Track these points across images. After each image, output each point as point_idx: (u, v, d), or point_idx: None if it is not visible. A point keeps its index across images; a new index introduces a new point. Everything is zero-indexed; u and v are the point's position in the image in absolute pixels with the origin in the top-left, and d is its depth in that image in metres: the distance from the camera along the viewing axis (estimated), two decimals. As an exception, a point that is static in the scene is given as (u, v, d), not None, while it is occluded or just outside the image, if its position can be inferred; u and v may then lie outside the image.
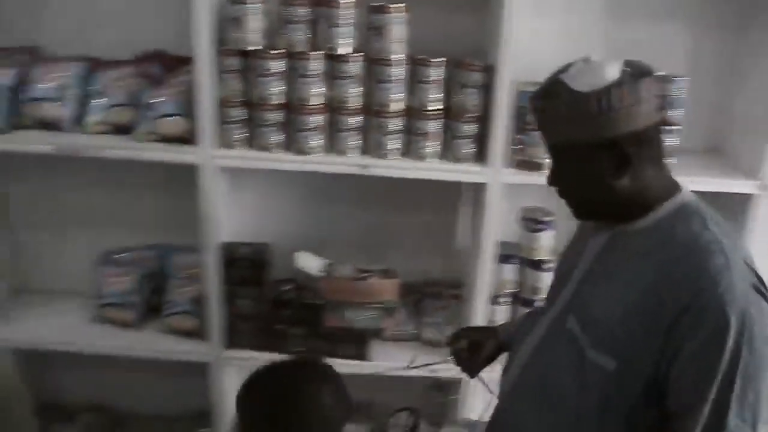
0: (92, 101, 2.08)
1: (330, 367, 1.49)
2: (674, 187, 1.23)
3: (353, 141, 1.99)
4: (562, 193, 1.30)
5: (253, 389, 1.41)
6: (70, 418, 2.58)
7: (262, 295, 2.15)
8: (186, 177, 2.01)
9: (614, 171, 1.18)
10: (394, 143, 1.98)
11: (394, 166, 1.99)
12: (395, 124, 1.96)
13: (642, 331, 1.14)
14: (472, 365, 1.63)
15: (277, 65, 1.90)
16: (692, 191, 1.24)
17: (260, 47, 1.91)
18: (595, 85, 1.14)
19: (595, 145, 1.17)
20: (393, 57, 1.88)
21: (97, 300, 2.32)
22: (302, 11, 1.88)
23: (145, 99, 2.02)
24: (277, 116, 1.95)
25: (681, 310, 1.09)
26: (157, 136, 2.00)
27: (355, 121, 1.96)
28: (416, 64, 1.92)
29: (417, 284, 2.38)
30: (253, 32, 1.90)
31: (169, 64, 2.11)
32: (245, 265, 2.12)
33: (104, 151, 1.99)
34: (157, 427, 2.49)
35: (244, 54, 1.91)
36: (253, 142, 1.99)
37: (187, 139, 1.98)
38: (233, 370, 2.22)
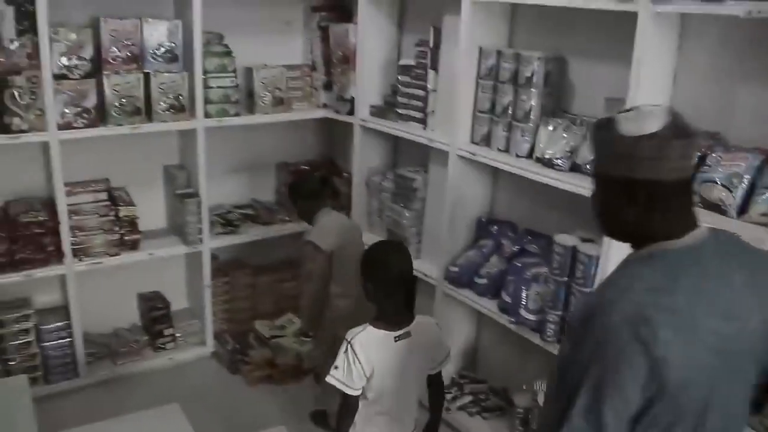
0: (761, 192, 2.21)
1: (403, 245, 2.63)
2: (676, 233, 1.38)
3: None
4: (593, 212, 1.51)
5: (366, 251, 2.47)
6: None
7: None
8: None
9: (623, 206, 1.39)
10: None
11: None
12: None
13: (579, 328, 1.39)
14: None
15: None
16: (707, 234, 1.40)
17: None
18: (633, 131, 1.32)
19: (615, 180, 1.39)
20: None
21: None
22: None
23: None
24: None
25: (586, 319, 1.35)
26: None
27: None
28: None
29: None
30: None
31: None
32: None
33: (764, 243, 2.09)
34: None
35: None
36: None
37: None
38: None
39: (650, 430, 1.29)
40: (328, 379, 2.24)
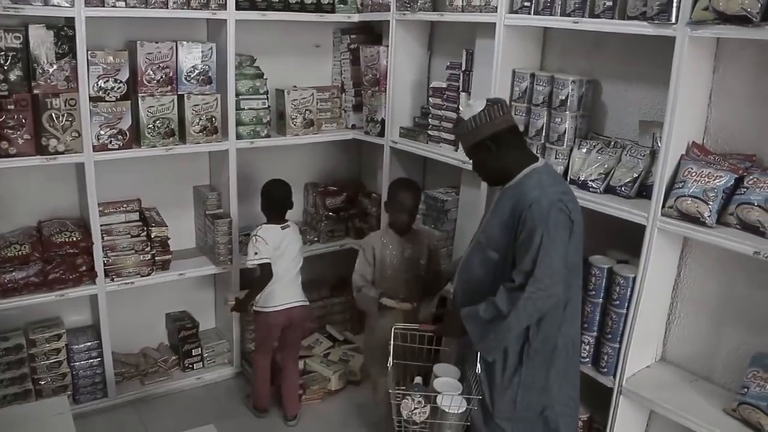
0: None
1: (281, 182, 3.58)
2: (529, 161, 2.44)
3: None
4: (477, 173, 2.59)
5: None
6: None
7: None
8: None
9: (486, 156, 2.44)
10: None
11: None
12: None
13: (507, 234, 2.37)
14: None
15: None
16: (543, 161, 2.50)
17: None
18: (470, 114, 2.40)
19: (476, 145, 2.43)
20: None
21: (736, 395, 2.48)
22: None
23: None
24: None
25: (519, 218, 2.32)
26: None
27: None
28: None
29: None
30: None
31: None
32: None
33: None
34: None
35: None
36: None
37: None
38: None
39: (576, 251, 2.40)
40: (248, 264, 3.44)
